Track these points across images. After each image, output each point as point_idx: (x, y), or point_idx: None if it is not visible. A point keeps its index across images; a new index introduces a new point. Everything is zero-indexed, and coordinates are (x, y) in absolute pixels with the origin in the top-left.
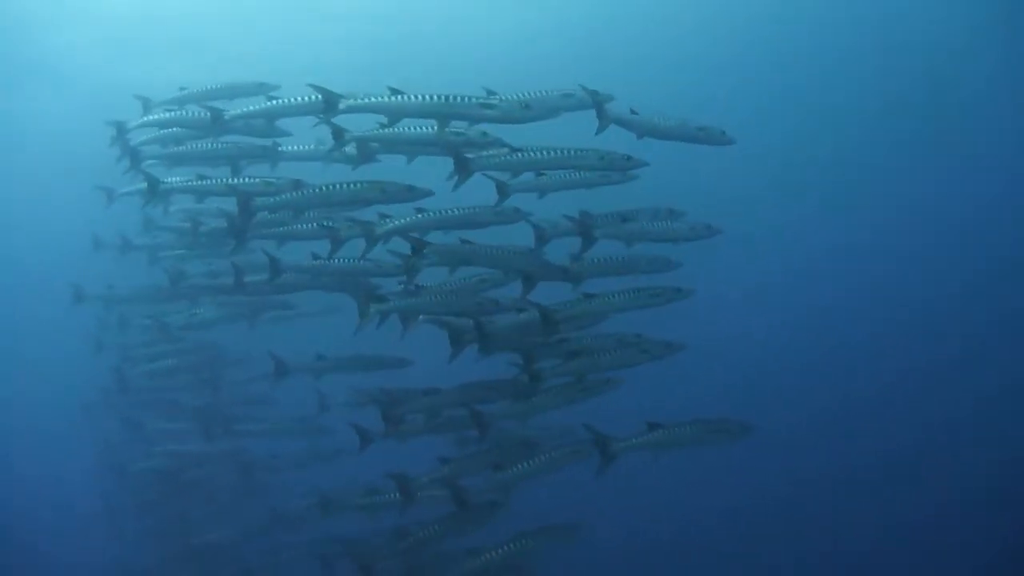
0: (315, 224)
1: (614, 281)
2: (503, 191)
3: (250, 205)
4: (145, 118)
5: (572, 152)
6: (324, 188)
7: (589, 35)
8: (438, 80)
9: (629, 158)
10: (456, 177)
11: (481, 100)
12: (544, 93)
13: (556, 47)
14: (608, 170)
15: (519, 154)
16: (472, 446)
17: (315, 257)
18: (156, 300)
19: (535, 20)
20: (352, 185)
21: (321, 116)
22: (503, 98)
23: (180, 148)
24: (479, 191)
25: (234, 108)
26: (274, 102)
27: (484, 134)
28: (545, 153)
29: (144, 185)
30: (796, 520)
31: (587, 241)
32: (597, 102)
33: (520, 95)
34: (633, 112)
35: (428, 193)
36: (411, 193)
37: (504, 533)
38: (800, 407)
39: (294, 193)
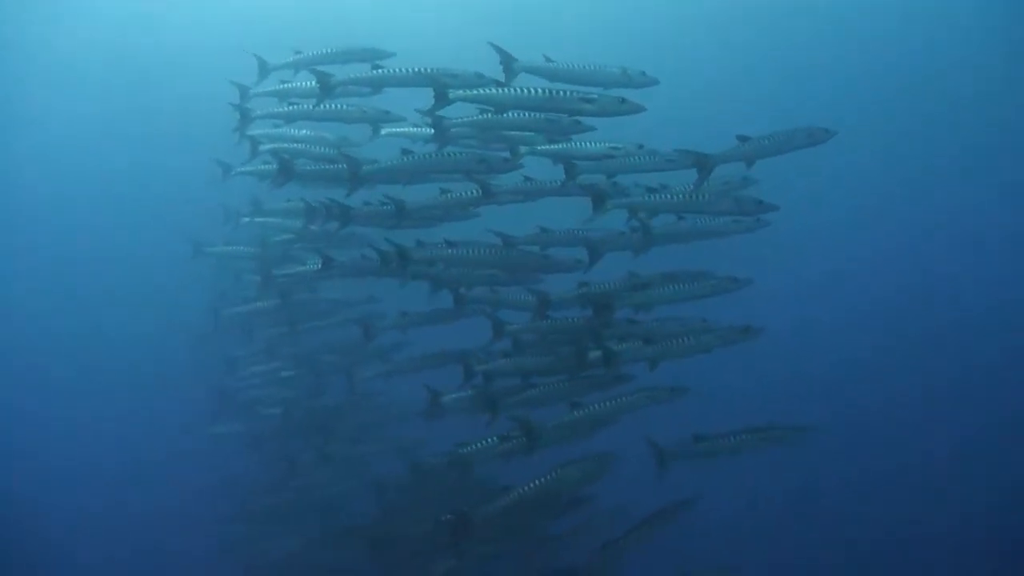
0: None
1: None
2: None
3: (359, 172)
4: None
5: (707, 197)
6: (430, 156)
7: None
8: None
9: (760, 202)
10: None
11: (581, 95)
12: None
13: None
14: (739, 214)
15: (654, 195)
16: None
17: None
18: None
19: None
20: (456, 154)
21: (426, 113)
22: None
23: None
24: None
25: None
26: (379, 71)
27: (577, 123)
28: (678, 197)
29: (263, 167)
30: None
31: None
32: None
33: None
34: (742, 138)
35: (521, 166)
36: (507, 165)
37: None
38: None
39: (402, 159)
